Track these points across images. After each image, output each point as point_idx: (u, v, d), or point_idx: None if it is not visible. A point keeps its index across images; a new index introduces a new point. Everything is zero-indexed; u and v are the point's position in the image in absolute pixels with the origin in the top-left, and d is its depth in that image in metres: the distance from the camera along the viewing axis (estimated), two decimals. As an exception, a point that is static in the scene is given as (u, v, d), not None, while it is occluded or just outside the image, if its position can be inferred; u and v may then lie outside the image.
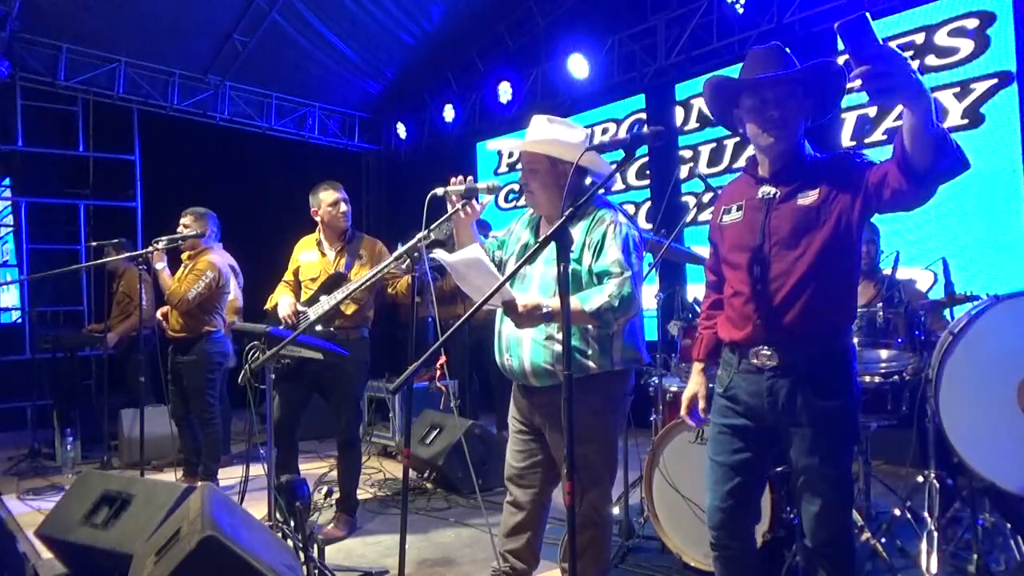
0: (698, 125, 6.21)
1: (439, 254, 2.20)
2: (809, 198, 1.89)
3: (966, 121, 4.64)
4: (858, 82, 1.54)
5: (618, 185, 6.82)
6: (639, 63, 6.66)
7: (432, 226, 2.40)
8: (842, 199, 1.85)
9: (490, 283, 2.02)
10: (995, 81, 4.54)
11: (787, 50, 1.97)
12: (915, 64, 4.93)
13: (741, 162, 4.33)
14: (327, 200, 3.72)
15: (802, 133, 1.97)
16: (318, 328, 3.54)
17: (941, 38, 4.82)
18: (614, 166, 1.95)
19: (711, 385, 2.21)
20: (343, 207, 3.73)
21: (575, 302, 2.12)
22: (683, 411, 2.29)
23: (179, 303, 4.32)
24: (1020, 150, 4.41)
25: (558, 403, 2.30)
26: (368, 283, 2.98)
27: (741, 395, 2.01)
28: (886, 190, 1.76)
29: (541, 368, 2.29)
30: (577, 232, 2.28)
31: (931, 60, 4.86)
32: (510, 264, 2.52)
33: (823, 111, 2.00)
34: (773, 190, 1.96)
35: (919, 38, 4.90)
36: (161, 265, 4.32)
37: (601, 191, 2.44)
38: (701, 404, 2.24)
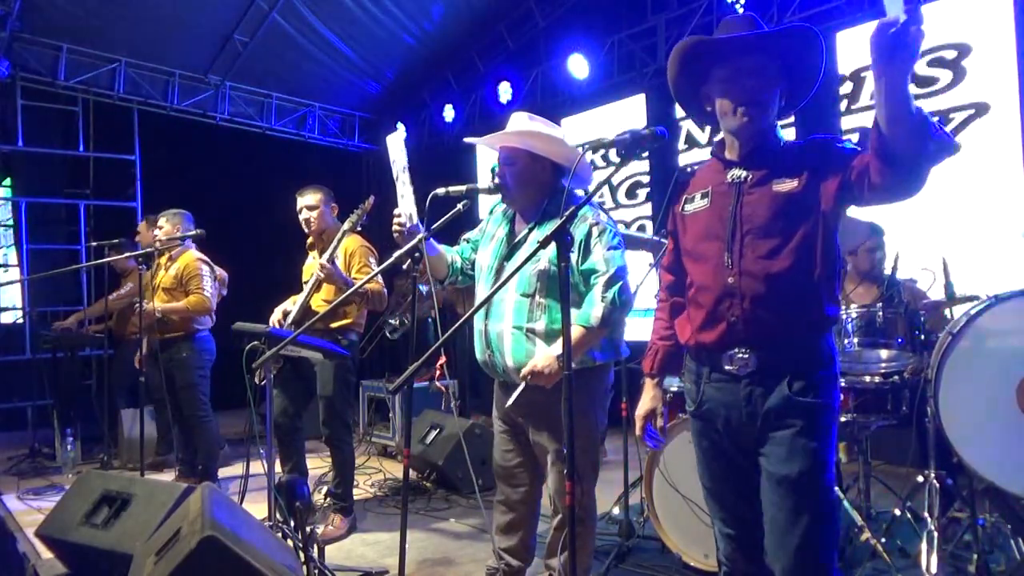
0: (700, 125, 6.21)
1: (392, 138, 2.32)
2: (787, 184, 1.71)
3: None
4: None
5: (608, 203, 6.81)
6: (639, 63, 6.66)
7: (433, 227, 2.40)
8: (825, 187, 1.68)
9: (401, 181, 2.23)
10: (972, 112, 4.60)
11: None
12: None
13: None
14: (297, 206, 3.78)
15: (775, 116, 1.81)
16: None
17: (920, 68, 4.87)
18: (611, 169, 1.95)
19: (675, 391, 2.03)
20: (304, 213, 3.76)
21: (577, 329, 2.20)
22: (638, 431, 2.07)
23: (206, 310, 4.34)
24: (1020, 150, 4.41)
25: (539, 401, 2.31)
26: (345, 293, 2.97)
27: (716, 409, 1.80)
28: (864, 184, 1.60)
29: (524, 364, 2.29)
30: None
31: (911, 89, 4.87)
32: (483, 257, 2.53)
33: (794, 97, 1.83)
34: (744, 173, 1.77)
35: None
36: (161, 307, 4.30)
37: (581, 192, 2.47)
38: (658, 422, 2.04)
